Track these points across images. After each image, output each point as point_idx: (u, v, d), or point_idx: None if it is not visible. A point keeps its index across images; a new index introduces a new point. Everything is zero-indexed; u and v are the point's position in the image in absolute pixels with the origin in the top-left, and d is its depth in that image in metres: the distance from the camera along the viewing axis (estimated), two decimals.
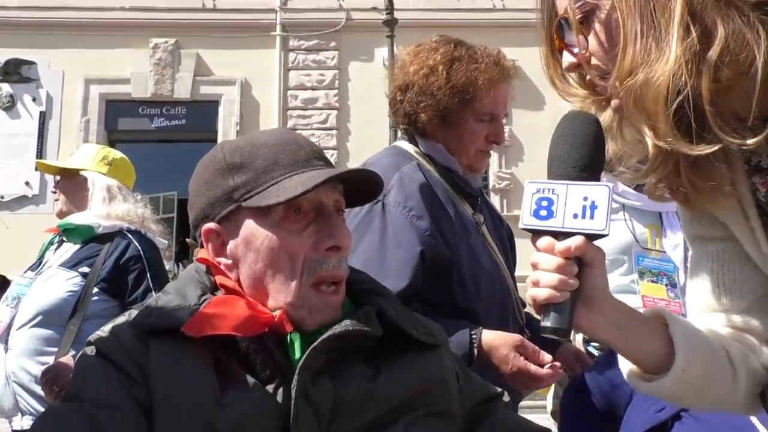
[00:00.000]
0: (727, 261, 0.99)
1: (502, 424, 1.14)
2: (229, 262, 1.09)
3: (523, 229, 0.88)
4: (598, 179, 0.88)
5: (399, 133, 1.87)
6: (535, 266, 0.87)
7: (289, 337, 1.03)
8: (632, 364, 0.94)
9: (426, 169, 1.70)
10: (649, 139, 0.85)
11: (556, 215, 0.87)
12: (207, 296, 1.07)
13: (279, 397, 0.98)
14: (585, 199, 0.87)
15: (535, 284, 0.86)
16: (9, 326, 2.26)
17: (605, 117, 0.95)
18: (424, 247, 1.55)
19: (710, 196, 0.93)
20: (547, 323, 0.85)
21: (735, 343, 0.96)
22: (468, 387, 1.15)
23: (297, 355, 1.01)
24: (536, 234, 0.88)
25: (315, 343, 1.00)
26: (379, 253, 1.55)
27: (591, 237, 0.86)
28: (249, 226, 1.06)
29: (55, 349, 2.24)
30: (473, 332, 1.51)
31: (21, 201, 11.14)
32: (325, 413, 0.98)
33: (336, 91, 12.07)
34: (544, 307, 0.86)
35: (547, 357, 1.49)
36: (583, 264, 0.85)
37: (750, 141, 0.81)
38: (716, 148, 0.81)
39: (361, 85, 11.91)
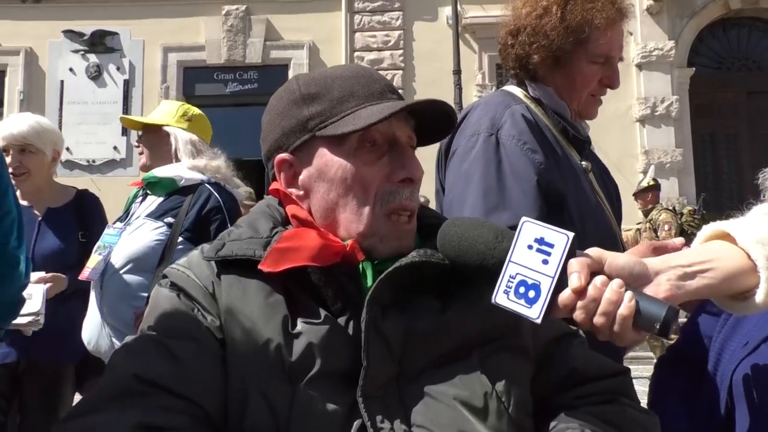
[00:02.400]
0: None
1: (573, 360, 1.08)
2: (301, 192, 1.08)
3: (541, 318, 0.85)
4: (513, 235, 0.89)
5: (490, 84, 1.84)
6: (587, 313, 0.83)
7: (361, 266, 1.02)
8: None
9: (534, 113, 1.64)
10: None
11: (539, 280, 0.85)
12: (278, 229, 1.05)
13: (350, 330, 0.97)
14: (530, 247, 0.86)
15: (605, 318, 0.83)
16: (102, 273, 2.37)
17: None
18: (539, 177, 1.50)
19: None
20: (657, 326, 0.81)
21: None
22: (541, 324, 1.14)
23: (369, 283, 0.99)
24: (550, 306, 0.85)
25: (382, 276, 0.97)
26: (498, 184, 1.49)
27: (570, 254, 0.85)
28: (323, 155, 1.05)
29: (146, 294, 2.29)
30: None
31: (110, 164, 11.80)
32: (396, 345, 0.97)
33: (401, 52, 12.10)
34: (634, 323, 0.83)
35: (678, 240, 1.39)
36: (597, 273, 0.85)
37: None
38: None
39: (425, 45, 11.90)
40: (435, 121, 1.11)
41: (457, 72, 10.68)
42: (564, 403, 1.03)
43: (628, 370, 1.13)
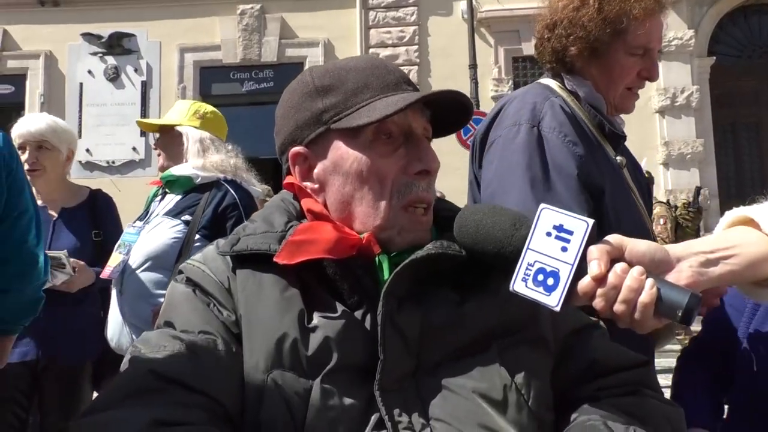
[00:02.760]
0: None
1: (594, 352, 1.06)
2: (316, 186, 1.07)
3: (561, 306, 0.84)
4: (531, 222, 0.89)
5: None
6: (607, 300, 0.82)
7: (377, 258, 1.01)
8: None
9: (571, 106, 1.63)
10: None
11: (558, 268, 0.84)
12: (293, 223, 1.05)
13: (367, 323, 0.96)
14: (549, 234, 0.85)
15: (626, 306, 0.82)
16: (122, 271, 2.40)
17: None
18: (579, 171, 1.49)
19: None
20: (678, 313, 0.80)
21: None
22: (560, 315, 1.02)
23: (386, 276, 0.99)
24: (569, 294, 0.83)
25: (398, 268, 0.96)
26: (544, 176, 1.49)
27: (590, 241, 0.84)
28: (338, 148, 1.04)
29: (164, 292, 2.18)
30: None
31: (129, 165, 11.94)
32: (412, 338, 0.95)
33: (416, 47, 12.09)
34: (655, 311, 0.81)
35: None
36: (617, 260, 0.84)
37: None
38: None
39: (441, 40, 11.86)
40: (451, 112, 1.09)
41: (473, 66, 10.63)
42: (585, 396, 1.01)
43: (650, 361, 1.11)
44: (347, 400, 0.92)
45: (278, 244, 0.99)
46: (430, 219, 1.06)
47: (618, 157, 1.66)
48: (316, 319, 0.95)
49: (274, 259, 0.97)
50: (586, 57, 1.63)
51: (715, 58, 11.45)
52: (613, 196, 1.55)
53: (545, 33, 1.68)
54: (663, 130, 11.30)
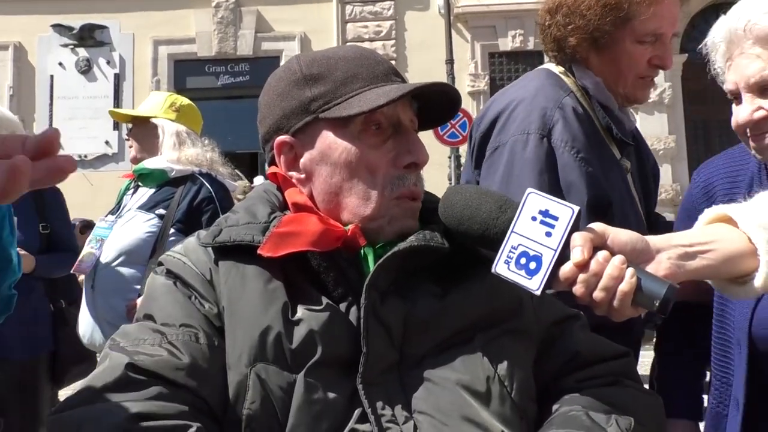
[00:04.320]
0: None
1: (576, 344, 1.06)
2: (302, 176, 1.05)
3: (541, 290, 0.85)
4: (517, 205, 0.89)
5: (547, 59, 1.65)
6: (587, 287, 0.84)
7: (362, 251, 1.00)
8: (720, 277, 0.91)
9: (582, 104, 1.52)
10: None
11: (541, 252, 0.85)
12: (276, 214, 1.03)
13: (352, 316, 0.95)
14: (534, 219, 0.86)
15: (606, 293, 0.83)
16: (94, 267, 2.36)
17: None
18: (587, 191, 1.41)
19: None
20: (656, 303, 0.81)
21: None
22: (542, 306, 1.08)
23: (371, 268, 0.98)
24: (550, 279, 0.84)
25: (380, 261, 0.96)
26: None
27: (574, 228, 0.85)
28: (326, 138, 1.02)
29: (139, 287, 2.28)
30: None
31: (102, 159, 11.77)
32: (396, 332, 0.95)
33: (393, 42, 12.10)
34: (633, 300, 0.83)
35: None
36: (599, 247, 0.85)
37: None
38: None
39: (417, 35, 11.90)
40: (436, 105, 1.08)
41: (450, 61, 10.66)
42: (567, 387, 1.02)
43: (631, 351, 1.11)
44: (331, 394, 0.91)
45: (262, 236, 0.97)
46: (419, 206, 1.06)
47: (623, 161, 1.57)
48: (300, 311, 0.94)
49: (259, 252, 0.95)
50: (587, 47, 1.51)
51: (687, 55, 11.62)
52: (621, 206, 1.49)
53: (546, 18, 1.56)
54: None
